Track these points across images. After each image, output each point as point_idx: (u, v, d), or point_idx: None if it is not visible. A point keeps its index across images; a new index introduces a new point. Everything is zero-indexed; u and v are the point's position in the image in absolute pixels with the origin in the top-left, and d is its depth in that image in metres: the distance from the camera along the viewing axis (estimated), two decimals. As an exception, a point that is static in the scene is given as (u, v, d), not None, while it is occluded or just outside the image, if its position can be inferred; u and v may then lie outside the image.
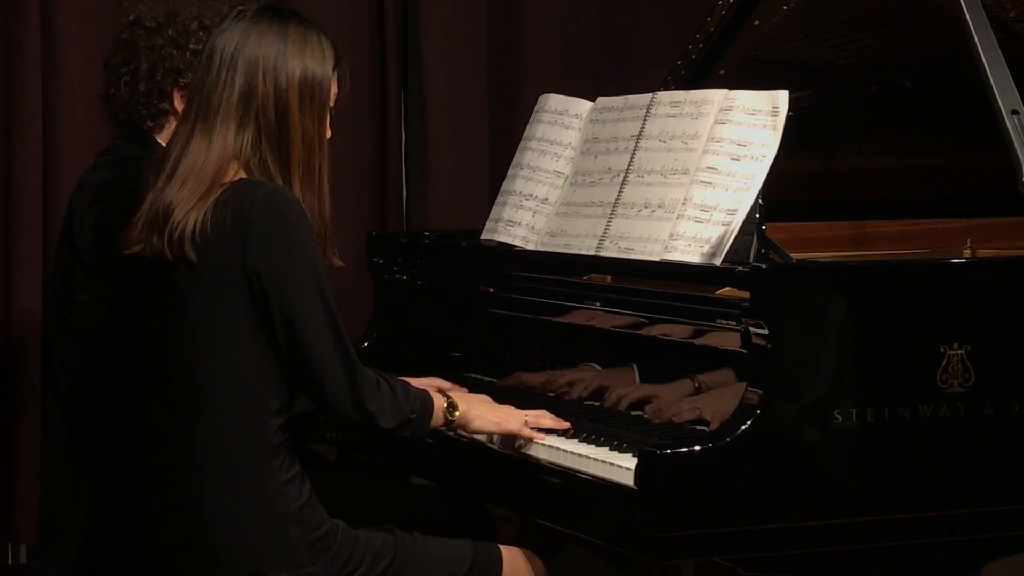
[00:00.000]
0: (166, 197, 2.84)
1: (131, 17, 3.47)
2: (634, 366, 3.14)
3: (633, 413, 3.11)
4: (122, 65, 3.43)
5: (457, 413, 3.04)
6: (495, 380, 3.50)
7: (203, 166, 2.84)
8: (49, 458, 3.42)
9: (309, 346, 2.81)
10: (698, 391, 3.01)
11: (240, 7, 2.96)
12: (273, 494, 2.82)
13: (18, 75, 4.30)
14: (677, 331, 3.03)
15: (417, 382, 3.12)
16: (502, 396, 3.22)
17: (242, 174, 2.88)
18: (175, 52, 3.39)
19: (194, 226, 2.80)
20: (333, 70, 2.97)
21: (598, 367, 3.21)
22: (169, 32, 3.40)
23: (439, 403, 3.00)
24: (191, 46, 3.39)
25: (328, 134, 2.98)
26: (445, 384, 3.26)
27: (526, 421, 3.07)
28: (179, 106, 3.39)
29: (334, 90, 2.99)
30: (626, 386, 3.16)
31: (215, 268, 2.82)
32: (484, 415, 3.08)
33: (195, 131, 2.88)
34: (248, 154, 2.87)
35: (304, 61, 2.91)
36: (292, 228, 2.81)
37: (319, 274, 2.83)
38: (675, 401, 3.03)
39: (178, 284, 2.85)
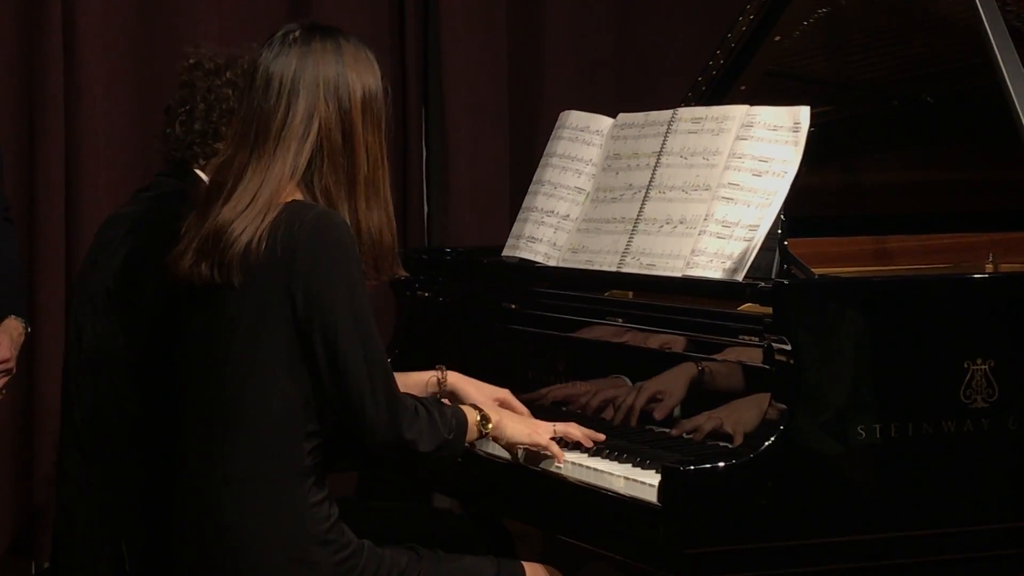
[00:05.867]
0: (220, 220, 2.83)
1: (191, 60, 3.47)
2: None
3: (656, 429, 3.11)
4: (180, 105, 3.43)
5: (490, 425, 3.05)
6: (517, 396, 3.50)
7: (259, 191, 2.83)
8: (66, 498, 3.39)
9: (350, 375, 2.80)
10: (701, 374, 3.01)
11: (285, 29, 2.94)
12: (302, 515, 2.82)
13: (40, 96, 4.33)
14: (699, 347, 3.03)
15: (488, 390, 3.17)
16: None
17: (297, 194, 2.87)
18: (231, 93, 3.38)
19: (247, 244, 2.79)
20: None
21: (628, 380, 3.21)
22: (227, 75, 3.40)
23: (472, 418, 3.01)
24: None
25: None
26: (512, 401, 3.25)
27: (555, 430, 3.09)
28: None
29: None
30: (629, 393, 3.17)
31: (260, 291, 2.81)
32: (516, 426, 3.09)
33: (252, 157, 2.86)
34: (306, 176, 2.86)
35: (362, 76, 2.90)
36: (338, 254, 2.80)
37: (363, 302, 2.82)
38: (688, 400, 3.03)
39: (222, 308, 2.84)
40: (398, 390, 2.87)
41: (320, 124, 2.87)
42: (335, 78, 2.88)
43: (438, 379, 3.26)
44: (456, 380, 3.27)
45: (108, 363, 3.30)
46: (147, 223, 3.32)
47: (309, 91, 2.87)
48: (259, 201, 2.82)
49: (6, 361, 3.72)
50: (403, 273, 3.02)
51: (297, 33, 2.92)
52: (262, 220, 2.81)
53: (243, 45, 3.47)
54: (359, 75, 2.91)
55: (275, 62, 2.89)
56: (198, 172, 3.42)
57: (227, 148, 2.94)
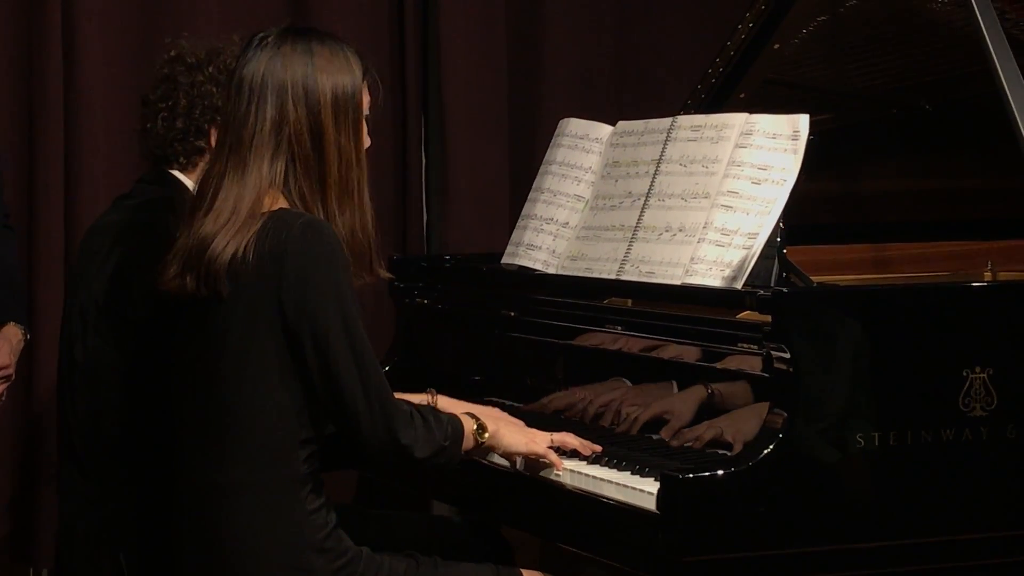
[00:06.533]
0: (202, 232, 2.82)
1: (172, 53, 3.42)
2: (674, 382, 3.13)
3: (655, 436, 3.11)
4: (160, 100, 3.39)
5: (487, 434, 3.04)
6: (517, 404, 3.49)
7: (238, 201, 2.81)
8: (65, 511, 3.36)
9: (343, 380, 2.80)
10: (711, 397, 3.01)
11: (261, 33, 2.93)
12: (299, 523, 2.82)
13: (40, 98, 4.33)
14: (698, 355, 3.03)
15: (477, 410, 3.14)
16: (526, 420, 3.22)
17: (281, 201, 2.86)
18: (214, 90, 3.34)
19: (232, 256, 2.78)
20: (363, 79, 2.95)
21: (628, 382, 3.21)
22: (210, 69, 3.36)
23: (469, 426, 3.01)
24: None
25: (367, 143, 2.95)
26: (506, 416, 3.25)
27: (552, 440, 3.08)
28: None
29: (367, 99, 2.96)
30: (641, 403, 3.16)
31: (249, 301, 2.80)
32: (513, 435, 3.09)
33: (228, 166, 2.85)
34: (284, 182, 2.85)
35: (333, 77, 2.88)
36: (326, 262, 2.79)
37: (352, 308, 2.81)
38: (695, 424, 3.03)
39: (212, 319, 2.84)
40: (392, 395, 2.87)
41: (291, 131, 2.85)
42: (303, 80, 2.86)
43: (428, 402, 3.25)
44: (447, 405, 3.26)
45: (102, 377, 3.27)
46: (133, 233, 3.28)
47: (277, 95, 2.85)
48: (241, 212, 2.81)
49: (6, 367, 3.72)
50: (386, 275, 3.01)
51: (270, 37, 2.90)
52: (247, 231, 2.80)
53: (225, 38, 3.46)
54: (330, 76, 2.88)
55: (246, 67, 2.88)
56: (177, 174, 3.39)
57: (211, 156, 2.93)
